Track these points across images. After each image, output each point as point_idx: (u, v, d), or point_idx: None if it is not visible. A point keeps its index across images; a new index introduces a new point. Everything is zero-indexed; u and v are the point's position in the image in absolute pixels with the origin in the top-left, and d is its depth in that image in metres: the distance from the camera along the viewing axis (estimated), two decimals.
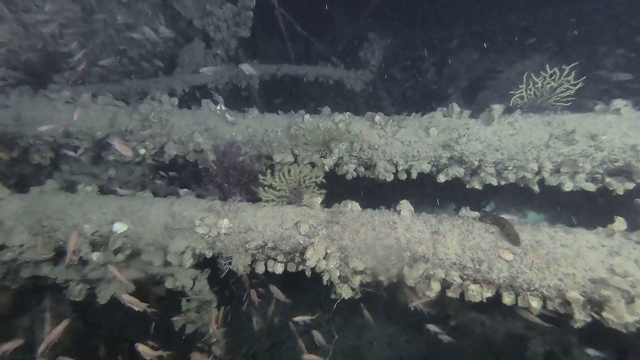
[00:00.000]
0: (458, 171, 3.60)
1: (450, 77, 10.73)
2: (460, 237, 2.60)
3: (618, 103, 3.11)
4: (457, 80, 10.46)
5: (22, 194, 2.99)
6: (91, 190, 3.05)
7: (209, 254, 2.91)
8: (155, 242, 2.88)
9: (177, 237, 2.86)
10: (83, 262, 2.79)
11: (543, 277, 2.29)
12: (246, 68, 4.70)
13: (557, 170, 3.25)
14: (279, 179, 2.87)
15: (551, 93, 3.26)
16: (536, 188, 3.39)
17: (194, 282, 3.28)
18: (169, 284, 3.13)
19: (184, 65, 6.40)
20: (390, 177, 3.80)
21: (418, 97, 10.96)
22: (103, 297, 2.93)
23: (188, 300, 3.42)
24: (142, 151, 3.72)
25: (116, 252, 2.84)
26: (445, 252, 2.58)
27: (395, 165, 3.74)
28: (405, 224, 2.77)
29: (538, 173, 3.32)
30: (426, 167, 3.67)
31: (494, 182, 3.52)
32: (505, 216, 2.61)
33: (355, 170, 3.90)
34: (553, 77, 3.18)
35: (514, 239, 2.42)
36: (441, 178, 3.66)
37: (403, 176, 3.81)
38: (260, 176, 2.88)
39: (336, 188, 4.18)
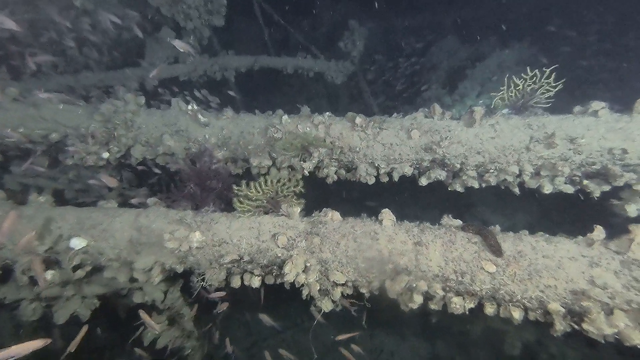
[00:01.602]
0: (440, 174, 3.54)
1: (431, 66, 10.70)
2: (442, 248, 2.54)
3: (596, 105, 3.11)
4: (437, 69, 10.44)
5: None
6: (45, 201, 2.76)
7: (180, 268, 2.72)
8: (119, 258, 2.66)
9: (144, 252, 2.64)
10: (34, 281, 2.53)
11: (525, 289, 2.27)
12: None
13: (537, 173, 3.24)
14: (254, 189, 2.69)
15: (532, 94, 3.22)
16: (516, 191, 3.38)
17: (165, 295, 3.10)
18: (137, 298, 2.93)
19: (152, 57, 5.98)
20: (371, 180, 3.70)
21: (399, 88, 10.89)
22: (61, 317, 2.69)
23: (160, 313, 3.23)
24: (105, 155, 3.42)
25: (75, 268, 2.59)
26: (427, 264, 2.51)
27: (377, 168, 3.63)
28: (387, 234, 2.67)
29: (519, 176, 3.30)
30: (408, 170, 3.58)
31: (476, 185, 3.49)
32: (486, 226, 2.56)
33: (336, 173, 3.77)
34: (534, 79, 3.13)
35: (496, 250, 2.38)
36: (423, 181, 3.60)
37: (385, 179, 3.72)
38: (234, 187, 2.68)
39: (317, 189, 4.06)
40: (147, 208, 2.87)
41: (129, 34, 5.88)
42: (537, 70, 3.08)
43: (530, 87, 3.15)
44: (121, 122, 3.42)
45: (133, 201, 3.37)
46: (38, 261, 2.37)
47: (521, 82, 3.14)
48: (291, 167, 3.70)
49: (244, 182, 2.73)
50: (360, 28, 9.61)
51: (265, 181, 2.70)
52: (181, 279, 3.05)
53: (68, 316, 2.65)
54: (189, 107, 3.71)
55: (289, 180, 2.75)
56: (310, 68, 8.37)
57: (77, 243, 2.50)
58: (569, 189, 3.19)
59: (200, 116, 3.59)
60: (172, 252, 2.63)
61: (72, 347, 2.35)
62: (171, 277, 2.91)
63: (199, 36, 6.67)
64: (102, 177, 2.96)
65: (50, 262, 2.55)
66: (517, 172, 3.25)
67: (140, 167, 4.08)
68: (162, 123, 3.61)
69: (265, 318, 3.22)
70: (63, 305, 2.64)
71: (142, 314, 2.63)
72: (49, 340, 2.10)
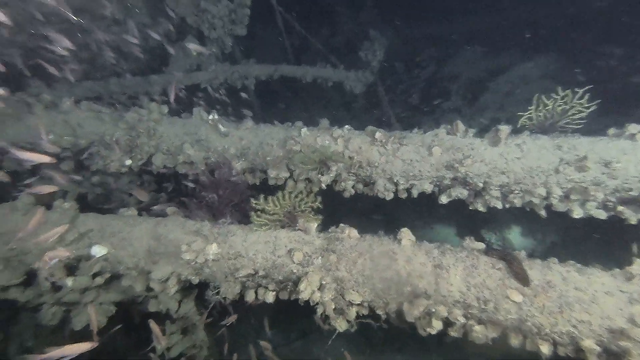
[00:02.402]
0: (461, 193, 3.43)
1: (451, 77, 10.52)
2: (464, 272, 2.44)
3: (633, 128, 2.95)
4: (457, 80, 10.25)
5: None
6: (69, 208, 2.83)
7: (195, 280, 2.72)
8: (137, 266, 2.68)
9: (161, 262, 2.65)
10: (57, 287, 2.58)
11: (555, 323, 2.14)
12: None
13: (566, 196, 3.09)
14: (272, 203, 2.67)
15: (562, 115, 3.09)
16: (543, 213, 3.24)
17: (179, 305, 3.10)
18: (152, 307, 2.94)
19: (176, 64, 6.12)
20: (390, 196, 3.63)
21: (416, 101, 10.76)
22: (78, 322, 2.73)
23: (173, 323, 3.24)
24: (128, 162, 3.49)
25: (94, 276, 2.63)
26: (448, 288, 2.41)
27: (396, 184, 3.56)
28: (406, 255, 2.60)
29: (546, 198, 3.16)
30: (428, 187, 3.50)
31: (499, 206, 3.36)
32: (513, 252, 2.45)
33: (353, 187, 3.72)
34: (565, 100, 3.00)
35: (523, 278, 2.27)
36: (443, 199, 3.49)
37: (403, 195, 3.64)
38: (252, 200, 2.67)
39: (333, 201, 4.01)
40: (166, 218, 2.90)
41: (154, 42, 6.06)
42: (569, 90, 2.95)
43: (561, 107, 3.02)
44: (144, 131, 3.48)
45: (155, 208, 3.41)
46: (60, 267, 2.42)
47: (551, 101, 3.01)
48: (308, 180, 3.68)
49: (262, 196, 2.71)
50: (381, 38, 9.59)
51: (284, 196, 2.67)
52: (195, 288, 3.05)
53: (86, 322, 2.69)
54: (210, 116, 3.76)
55: (307, 195, 2.71)
56: (329, 77, 8.39)
57: (98, 251, 2.54)
58: (602, 215, 3.03)
59: (220, 126, 3.63)
60: (188, 263, 2.64)
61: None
62: (186, 287, 2.91)
63: (222, 45, 6.80)
64: (135, 192, 3.01)
65: (71, 269, 2.60)
66: (545, 195, 3.11)
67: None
68: (184, 132, 3.66)
69: (266, 326, 3.18)
70: (82, 311, 2.67)
71: (152, 324, 2.63)
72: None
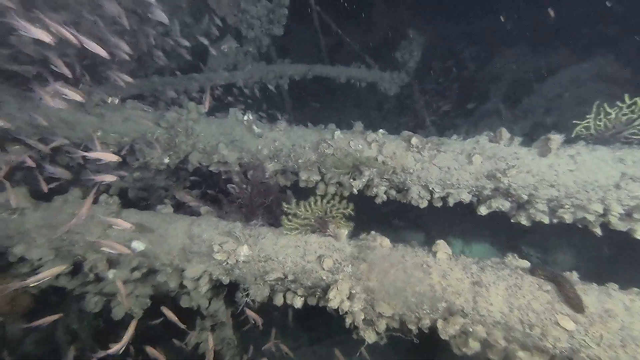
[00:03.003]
0: (503, 204, 3.22)
1: (492, 78, 9.94)
2: (507, 292, 2.27)
3: None
4: (499, 81, 9.66)
5: (46, 203, 2.97)
6: (112, 203, 2.97)
7: (226, 280, 2.76)
8: (171, 263, 2.76)
9: (194, 260, 2.71)
10: (100, 278, 2.72)
11: (615, 357, 1.92)
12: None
13: (628, 214, 2.80)
14: (304, 208, 2.64)
15: (627, 125, 2.79)
16: (598, 231, 2.95)
17: (209, 302, 3.17)
18: (184, 302, 3.02)
19: (214, 63, 6.29)
20: (424, 204, 3.48)
21: (456, 101, 10.31)
22: (118, 313, 2.86)
23: (203, 319, 3.31)
24: (167, 160, 3.62)
25: (133, 270, 2.74)
26: (488, 308, 2.25)
27: (431, 192, 3.40)
28: (442, 269, 2.46)
29: (602, 215, 2.88)
30: (466, 197, 3.31)
31: (546, 220, 3.11)
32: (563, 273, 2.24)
33: (385, 193, 3.61)
34: (632, 108, 2.70)
35: (576, 305, 2.06)
36: (483, 210, 3.30)
37: (438, 204, 3.48)
38: (284, 204, 2.66)
39: (363, 206, 3.92)
40: (200, 217, 2.96)
41: (194, 41, 6.26)
42: (638, 99, 2.65)
43: (626, 117, 2.72)
44: (183, 130, 3.59)
45: (191, 204, 3.52)
46: (103, 259, 2.55)
47: (615, 110, 2.72)
48: (339, 184, 3.62)
49: (294, 200, 2.69)
50: (419, 37, 9.26)
51: (315, 201, 2.63)
52: (225, 288, 3.09)
53: (124, 313, 2.81)
54: (245, 117, 3.80)
55: (339, 201, 2.66)
56: (363, 78, 8.25)
57: (137, 246, 2.64)
58: None
59: (254, 127, 3.66)
60: (220, 263, 2.67)
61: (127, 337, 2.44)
62: (216, 286, 2.96)
63: (259, 44, 6.89)
64: (178, 195, 3.11)
65: (112, 261, 2.73)
66: (601, 212, 2.83)
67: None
68: (219, 132, 3.73)
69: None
70: (120, 302, 2.79)
71: (166, 310, 2.65)
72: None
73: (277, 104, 7.79)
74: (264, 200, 2.89)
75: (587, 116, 2.86)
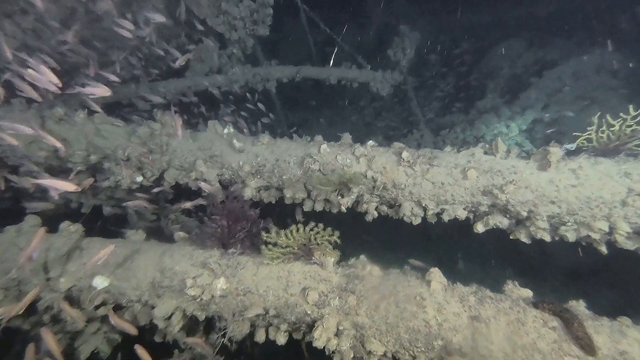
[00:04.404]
0: (501, 222, 3.02)
1: (489, 72, 9.68)
2: (508, 328, 2.06)
3: None
4: (496, 76, 9.41)
5: None
6: (75, 232, 2.70)
7: (202, 316, 2.51)
8: (140, 299, 2.51)
9: (165, 296, 2.46)
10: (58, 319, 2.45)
11: None
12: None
13: (637, 233, 2.60)
14: (285, 236, 2.40)
15: (631, 137, 2.59)
16: (604, 249, 2.76)
17: (186, 334, 2.92)
18: (157, 337, 2.78)
19: (196, 67, 5.98)
20: (417, 221, 3.26)
21: (451, 97, 10.08)
22: (84, 352, 2.60)
23: (181, 351, 3.07)
24: (139, 179, 3.34)
25: (97, 307, 2.48)
26: (488, 347, 2.05)
27: (424, 209, 3.19)
28: (437, 301, 2.25)
29: (608, 234, 2.68)
30: (461, 214, 3.10)
31: (547, 238, 2.91)
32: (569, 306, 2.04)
33: (376, 209, 3.38)
34: (637, 119, 2.51)
35: (587, 345, 1.86)
36: (479, 228, 3.09)
37: (433, 220, 3.27)
38: (263, 234, 2.42)
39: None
40: (173, 245, 2.71)
41: (176, 44, 5.94)
42: None
43: (631, 128, 2.52)
44: (157, 146, 3.32)
45: (165, 227, 3.25)
46: (62, 300, 2.29)
47: (618, 122, 2.52)
48: (327, 200, 3.38)
49: (274, 229, 2.45)
50: (412, 33, 8.95)
51: (297, 229, 2.39)
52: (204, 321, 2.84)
53: (90, 352, 2.56)
54: (225, 130, 3.54)
55: (324, 228, 2.42)
56: (354, 78, 7.99)
57: (100, 282, 2.39)
58: None
59: (235, 141, 3.40)
60: (194, 299, 2.43)
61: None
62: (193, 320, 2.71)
63: (243, 46, 6.58)
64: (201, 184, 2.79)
65: (73, 299, 2.47)
66: (607, 230, 2.64)
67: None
68: (197, 147, 3.47)
69: None
70: (86, 339, 2.54)
71: (140, 350, 2.38)
72: None
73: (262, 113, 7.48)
74: (242, 227, 2.64)
75: (589, 128, 2.65)
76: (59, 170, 3.36)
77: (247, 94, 6.79)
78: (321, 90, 9.82)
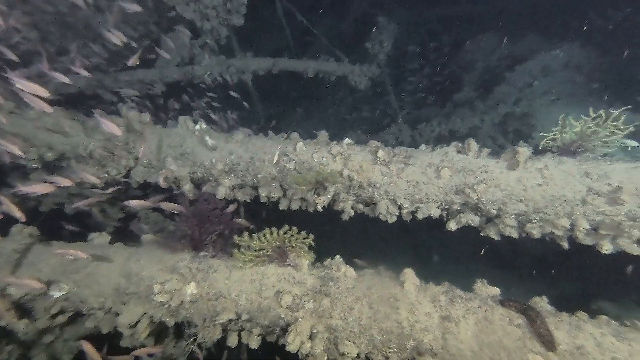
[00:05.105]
0: (472, 219, 3.09)
1: (464, 65, 9.83)
2: (477, 327, 2.12)
3: None
4: (471, 69, 9.59)
5: None
6: (28, 236, 2.51)
7: (171, 322, 2.42)
8: (103, 307, 2.38)
9: (131, 302, 2.35)
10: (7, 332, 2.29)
11: None
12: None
13: (595, 229, 2.74)
14: (259, 240, 2.34)
15: (592, 137, 2.71)
16: (565, 245, 2.89)
17: (156, 339, 2.82)
18: (125, 343, 2.66)
19: (166, 57, 5.68)
20: (392, 219, 3.29)
21: (428, 90, 10.18)
22: None
23: (150, 356, 2.97)
24: (104, 176, 3.15)
25: (54, 315, 2.34)
26: (457, 346, 2.10)
27: (400, 207, 3.21)
28: (409, 302, 2.28)
29: (570, 230, 2.81)
30: (435, 212, 3.15)
31: (515, 235, 3.02)
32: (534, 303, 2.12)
33: (353, 207, 3.37)
34: (596, 121, 2.61)
35: (548, 341, 1.94)
36: (452, 226, 3.16)
37: (408, 218, 3.30)
38: (235, 237, 2.34)
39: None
40: (140, 249, 2.58)
41: (144, 31, 5.60)
42: (602, 112, 2.56)
43: (591, 130, 2.63)
44: (122, 143, 3.13)
45: (133, 228, 3.10)
46: (9, 311, 2.12)
47: (580, 123, 2.62)
48: (303, 199, 3.34)
49: (246, 233, 2.38)
50: (389, 25, 8.90)
51: (271, 232, 2.34)
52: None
53: None
54: (197, 126, 3.39)
55: (298, 232, 2.38)
56: (332, 72, 7.90)
57: (57, 291, 2.23)
58: (636, 251, 2.68)
59: (207, 138, 3.26)
60: (162, 305, 2.33)
61: None
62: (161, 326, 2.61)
63: (217, 36, 6.32)
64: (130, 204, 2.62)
65: (26, 309, 2.31)
66: (568, 227, 2.76)
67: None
68: (167, 144, 3.31)
69: None
70: (42, 350, 2.39)
71: (86, 345, 2.23)
72: None
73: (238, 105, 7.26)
74: (215, 229, 2.55)
75: (553, 129, 2.75)
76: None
77: (224, 86, 6.58)
78: (300, 82, 9.67)
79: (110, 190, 3.04)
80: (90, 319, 2.36)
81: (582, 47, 7.62)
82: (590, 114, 2.63)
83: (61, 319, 2.34)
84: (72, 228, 3.55)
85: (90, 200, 3.04)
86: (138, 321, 2.33)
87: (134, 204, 2.41)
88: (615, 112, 2.60)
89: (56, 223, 3.61)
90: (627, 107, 2.58)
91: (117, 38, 3.73)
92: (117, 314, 2.35)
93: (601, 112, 2.62)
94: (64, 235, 3.63)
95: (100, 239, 2.71)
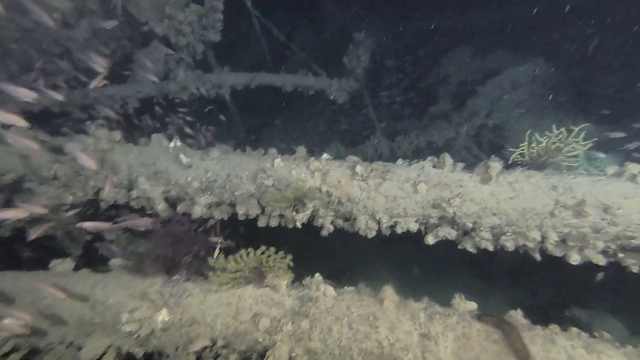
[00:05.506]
0: (449, 233, 3.14)
1: (440, 79, 10.17)
2: (455, 344, 2.12)
3: (634, 168, 2.72)
4: (446, 83, 9.93)
5: None
6: None
7: (140, 352, 2.28)
8: (64, 340, 2.22)
9: (96, 334, 2.20)
10: None
11: None
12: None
13: (563, 241, 2.84)
14: (234, 262, 2.27)
15: (556, 152, 2.84)
16: (537, 257, 2.98)
17: None
18: None
19: (140, 73, 5.56)
20: (372, 234, 3.29)
21: (405, 103, 10.44)
22: None
23: None
24: (70, 199, 2.99)
25: (5, 356, 2.15)
26: None
27: (378, 222, 3.22)
28: (389, 320, 2.25)
29: (541, 242, 2.90)
30: (413, 227, 3.18)
31: (490, 248, 3.09)
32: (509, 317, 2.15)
33: (332, 223, 3.35)
34: (559, 137, 2.75)
35: (523, 356, 1.96)
36: (430, 240, 3.19)
37: (387, 232, 3.31)
38: (209, 259, 2.26)
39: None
40: (107, 275, 2.44)
41: (115, 47, 5.48)
42: (564, 129, 2.70)
43: (555, 145, 2.76)
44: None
45: (103, 251, 2.94)
46: None
47: (545, 139, 2.75)
48: (282, 216, 3.29)
49: (222, 255, 2.30)
50: (366, 40, 9.12)
51: (248, 253, 2.28)
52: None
53: None
54: (171, 144, 3.31)
55: (276, 252, 2.33)
56: (310, 86, 7.98)
57: (8, 326, 2.06)
58: (601, 261, 2.79)
59: (182, 156, 3.18)
60: (130, 335, 2.20)
61: None
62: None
63: (193, 51, 6.26)
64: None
65: None
66: (539, 239, 2.85)
67: None
68: (139, 162, 3.19)
69: None
70: None
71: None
72: None
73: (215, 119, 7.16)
74: (189, 251, 2.46)
75: (521, 145, 2.86)
76: None
77: (200, 101, 6.49)
78: (279, 95, 9.70)
79: (71, 212, 2.88)
80: (50, 355, 2.19)
81: (547, 63, 8.10)
82: (553, 130, 2.76)
83: (15, 357, 2.15)
84: (29, 254, 3.32)
85: (46, 226, 2.87)
86: (103, 354, 2.18)
87: (87, 225, 2.27)
88: (576, 129, 2.74)
89: (15, 248, 3.38)
90: (585, 124, 2.73)
91: (99, 65, 3.62)
92: (80, 348, 2.19)
93: (562, 129, 2.76)
94: (23, 261, 3.40)
95: (63, 265, 2.54)
